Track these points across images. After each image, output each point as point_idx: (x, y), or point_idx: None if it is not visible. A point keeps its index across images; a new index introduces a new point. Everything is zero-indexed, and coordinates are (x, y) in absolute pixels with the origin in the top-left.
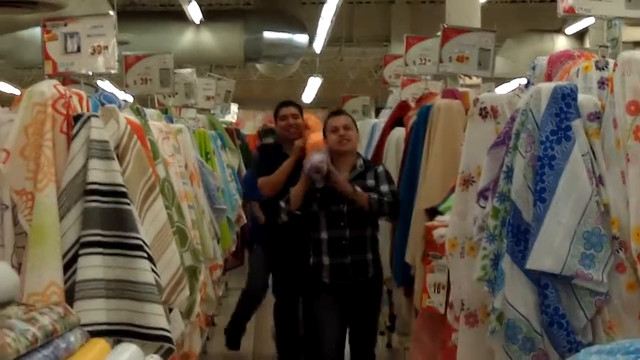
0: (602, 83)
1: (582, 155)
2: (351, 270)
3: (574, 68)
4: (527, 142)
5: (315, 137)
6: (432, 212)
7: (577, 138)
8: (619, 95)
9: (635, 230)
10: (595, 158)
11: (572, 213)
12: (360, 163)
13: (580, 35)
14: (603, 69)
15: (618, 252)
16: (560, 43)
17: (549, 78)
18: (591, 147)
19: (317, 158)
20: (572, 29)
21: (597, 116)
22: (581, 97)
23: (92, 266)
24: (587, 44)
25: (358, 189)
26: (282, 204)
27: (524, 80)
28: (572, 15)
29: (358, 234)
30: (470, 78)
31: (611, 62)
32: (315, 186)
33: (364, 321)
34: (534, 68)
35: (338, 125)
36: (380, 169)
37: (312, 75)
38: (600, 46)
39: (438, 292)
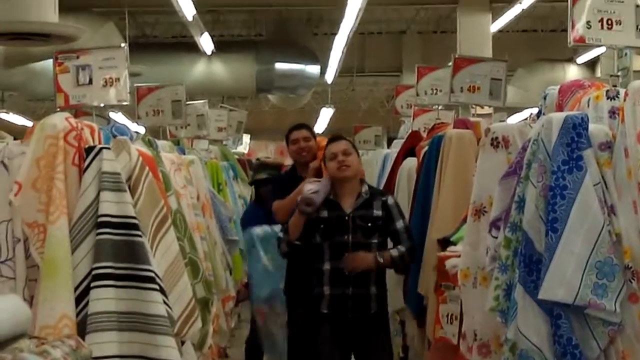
0: (613, 112)
1: (594, 185)
2: (352, 303)
3: (585, 98)
4: (538, 172)
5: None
6: (445, 243)
7: (588, 168)
8: (630, 124)
9: None
10: (607, 188)
11: (584, 243)
12: (365, 190)
13: (591, 64)
14: (614, 99)
15: (631, 281)
16: (572, 72)
17: (560, 108)
18: (603, 177)
19: (309, 188)
20: (583, 58)
21: (608, 146)
22: (592, 126)
23: (104, 299)
24: (599, 73)
25: (379, 257)
26: (281, 234)
27: (535, 110)
28: (583, 45)
29: None
30: (482, 107)
31: (622, 91)
32: (320, 215)
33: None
34: (545, 98)
35: (337, 152)
36: (390, 200)
37: (324, 106)
38: (611, 76)
39: (451, 322)
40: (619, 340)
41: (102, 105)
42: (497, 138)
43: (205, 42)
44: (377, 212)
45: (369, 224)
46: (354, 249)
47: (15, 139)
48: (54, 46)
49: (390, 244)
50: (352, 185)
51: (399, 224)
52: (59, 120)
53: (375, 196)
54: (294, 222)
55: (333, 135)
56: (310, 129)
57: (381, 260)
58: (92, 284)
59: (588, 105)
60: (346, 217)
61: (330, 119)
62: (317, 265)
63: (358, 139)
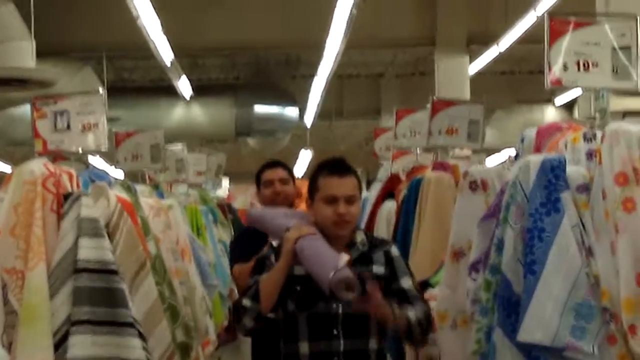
0: (590, 154)
1: (572, 227)
2: None
3: (563, 140)
4: (516, 214)
5: None
6: (423, 285)
7: (566, 210)
8: (607, 166)
9: (625, 302)
10: (584, 229)
11: (562, 284)
12: (361, 239)
13: (569, 106)
14: (591, 141)
15: (609, 323)
16: (550, 113)
17: (537, 150)
18: (580, 219)
19: (335, 261)
20: (561, 100)
21: (586, 188)
22: (570, 168)
23: (83, 344)
24: (576, 115)
25: (396, 309)
26: (247, 301)
27: (513, 151)
28: (560, 87)
29: (358, 346)
30: (461, 149)
31: (599, 133)
32: (294, 273)
33: None
34: (522, 140)
35: (338, 195)
36: (393, 250)
37: (302, 148)
38: (588, 118)
39: None
40: None
41: (80, 151)
42: (475, 181)
43: (184, 86)
44: (379, 269)
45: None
46: (346, 324)
47: None
48: (32, 91)
49: None
50: (343, 235)
51: (406, 282)
52: (37, 166)
53: (375, 247)
54: (271, 280)
55: (335, 159)
56: (288, 168)
57: (396, 311)
58: (71, 330)
59: (566, 148)
60: None
61: (310, 161)
62: (288, 349)
63: None
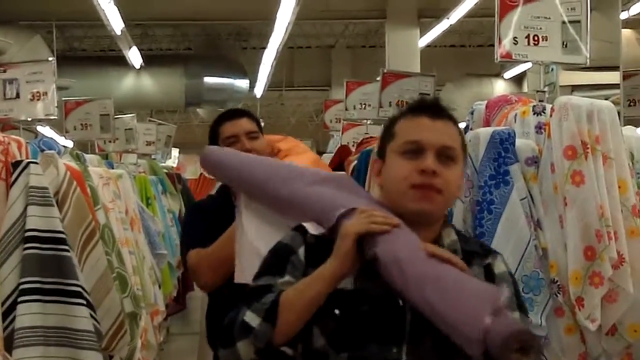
0: (539, 128)
1: (520, 200)
2: None
3: (512, 113)
4: (466, 186)
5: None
6: None
7: (515, 182)
8: (557, 140)
9: (573, 274)
10: (533, 202)
11: (511, 257)
12: (451, 240)
13: (518, 79)
14: (540, 114)
15: (556, 295)
16: (499, 87)
17: (487, 123)
18: (529, 192)
19: (491, 296)
20: (510, 74)
21: (534, 160)
22: (519, 141)
23: (31, 313)
24: (525, 88)
25: None
26: (253, 318)
27: (463, 125)
28: (510, 61)
29: None
30: None
31: (548, 106)
32: (341, 287)
33: None
34: (472, 113)
35: (426, 144)
36: (498, 265)
37: None
38: (537, 91)
39: None
40: (545, 354)
41: (29, 119)
42: None
43: (134, 56)
44: None
45: None
46: None
47: None
48: None
49: None
50: (429, 228)
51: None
52: None
53: (471, 256)
54: (299, 300)
55: (425, 98)
56: (254, 117)
57: None
58: (19, 299)
59: (515, 121)
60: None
61: None
62: None
63: None
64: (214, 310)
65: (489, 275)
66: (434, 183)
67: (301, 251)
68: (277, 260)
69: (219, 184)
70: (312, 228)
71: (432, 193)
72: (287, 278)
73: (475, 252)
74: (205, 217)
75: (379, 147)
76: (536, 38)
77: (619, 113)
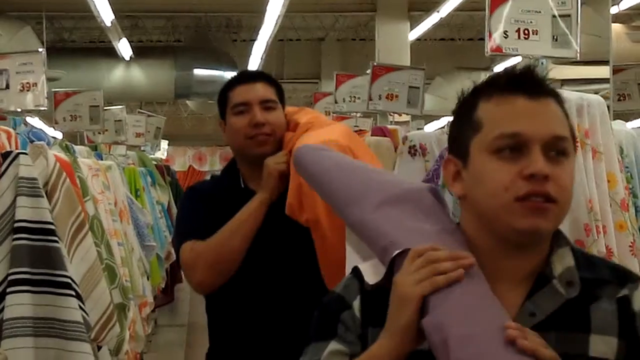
0: None
1: None
2: None
3: None
4: None
5: (317, 138)
6: None
7: None
8: None
9: None
10: None
11: None
12: (565, 267)
13: None
14: None
15: None
16: None
17: None
18: None
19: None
20: (500, 67)
21: None
22: None
23: (20, 304)
24: None
25: None
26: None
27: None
28: (500, 55)
29: None
30: (400, 115)
31: None
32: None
33: None
34: None
35: (529, 134)
36: (638, 298)
37: None
38: None
39: None
40: None
41: (19, 110)
42: (414, 146)
43: (124, 48)
44: (602, 347)
45: None
46: None
47: None
48: None
49: None
50: (533, 251)
51: None
52: None
53: (598, 286)
54: None
55: (524, 69)
56: (273, 81)
57: None
58: (8, 290)
59: None
60: None
61: None
62: None
63: None
64: (214, 304)
65: (624, 314)
66: (548, 191)
67: (356, 304)
68: (325, 321)
69: (209, 176)
70: (369, 272)
71: (547, 205)
72: (335, 346)
73: (604, 280)
74: (206, 203)
75: (453, 140)
76: (526, 32)
77: (608, 107)
